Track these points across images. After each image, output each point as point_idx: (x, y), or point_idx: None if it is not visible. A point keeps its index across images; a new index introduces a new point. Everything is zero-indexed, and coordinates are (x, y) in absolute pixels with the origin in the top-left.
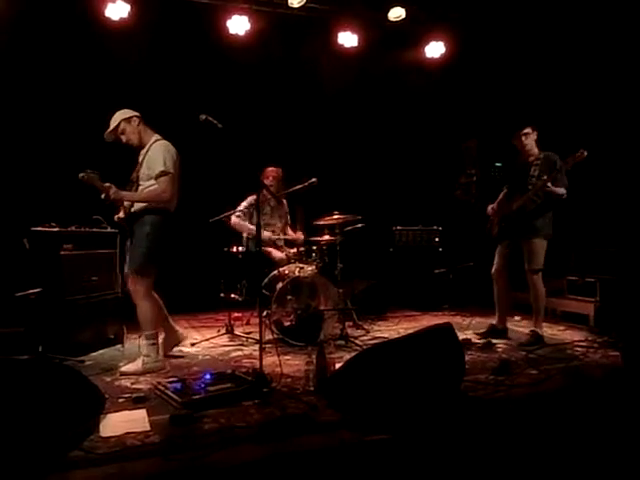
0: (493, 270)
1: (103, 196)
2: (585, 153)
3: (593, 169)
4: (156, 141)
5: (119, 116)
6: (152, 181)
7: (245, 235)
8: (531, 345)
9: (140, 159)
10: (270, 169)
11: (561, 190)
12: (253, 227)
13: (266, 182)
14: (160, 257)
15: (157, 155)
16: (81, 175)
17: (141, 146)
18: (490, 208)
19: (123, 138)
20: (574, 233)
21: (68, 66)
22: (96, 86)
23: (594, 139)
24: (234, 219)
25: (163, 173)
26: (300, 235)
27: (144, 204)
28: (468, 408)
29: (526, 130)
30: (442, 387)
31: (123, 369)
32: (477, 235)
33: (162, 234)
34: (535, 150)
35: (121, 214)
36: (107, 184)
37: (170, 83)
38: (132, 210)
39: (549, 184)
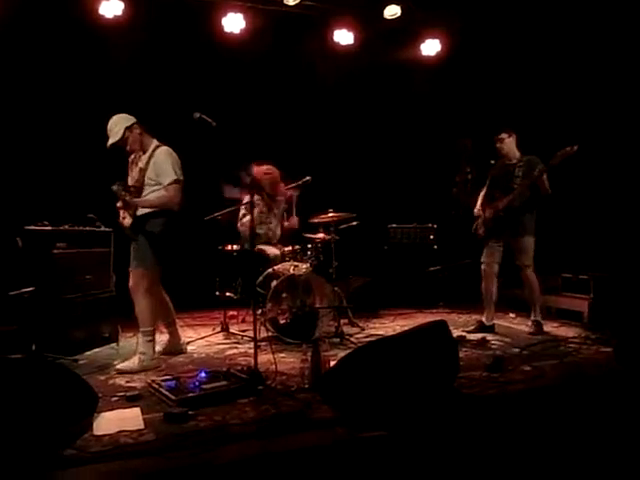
0: (483, 267)
1: (120, 204)
2: (575, 148)
3: (587, 167)
4: (158, 147)
5: (121, 125)
6: (159, 187)
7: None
8: (537, 334)
9: (142, 164)
10: (263, 167)
11: (547, 186)
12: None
13: (261, 181)
14: (165, 257)
15: (165, 162)
16: (115, 188)
17: (140, 152)
18: (476, 210)
19: (125, 146)
20: (568, 231)
21: (61, 64)
22: (90, 84)
23: (587, 136)
24: (241, 228)
25: (175, 182)
26: (293, 220)
27: (153, 208)
28: (462, 405)
29: (501, 136)
30: (436, 384)
31: (119, 367)
32: (472, 233)
33: (170, 234)
34: (516, 153)
35: (128, 219)
36: (124, 192)
37: (165, 81)
38: (139, 214)
39: (544, 176)
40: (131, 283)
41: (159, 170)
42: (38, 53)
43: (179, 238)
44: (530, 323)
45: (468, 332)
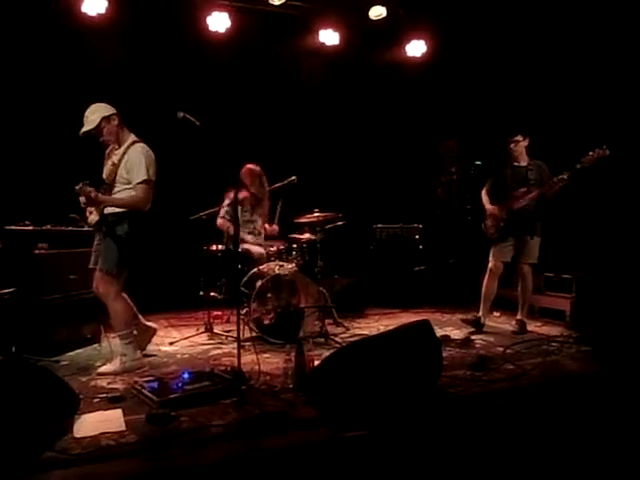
0: (491, 266)
1: (84, 200)
2: (608, 151)
3: (568, 166)
4: (134, 143)
5: (99, 113)
6: (129, 185)
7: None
8: (521, 333)
9: (115, 159)
10: (248, 166)
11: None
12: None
13: (245, 180)
14: (133, 259)
15: (138, 161)
16: (77, 188)
17: (116, 145)
18: (491, 208)
19: (100, 136)
20: (551, 231)
21: (43, 62)
22: (72, 82)
23: (573, 136)
24: (220, 221)
25: (145, 182)
26: (274, 228)
27: (121, 209)
28: (446, 404)
29: (516, 137)
30: (420, 383)
31: (101, 370)
32: (457, 233)
33: (136, 236)
34: (525, 156)
35: (94, 216)
36: (90, 189)
37: (148, 80)
38: (106, 212)
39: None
40: (101, 290)
41: (131, 168)
42: (19, 50)
43: (147, 239)
44: (515, 322)
45: (463, 320)
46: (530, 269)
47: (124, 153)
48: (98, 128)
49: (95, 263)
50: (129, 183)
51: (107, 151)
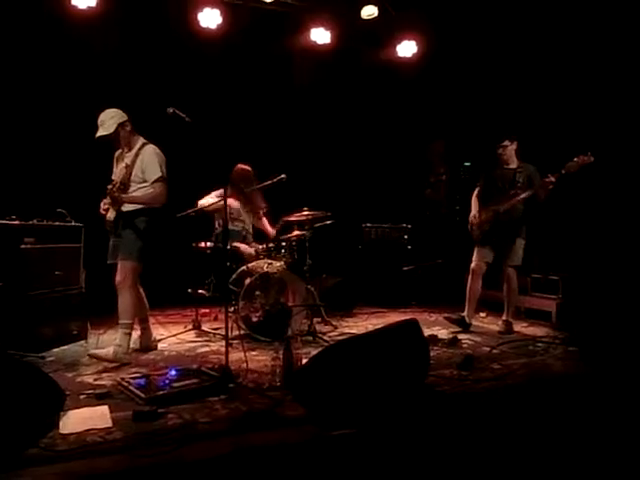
0: (474, 266)
1: (108, 200)
2: (592, 158)
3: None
4: (144, 145)
5: (115, 120)
6: (146, 184)
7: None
8: (507, 333)
9: (128, 161)
10: (239, 166)
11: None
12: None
13: (236, 181)
14: (148, 253)
15: (152, 160)
16: (109, 187)
17: (127, 148)
18: (473, 216)
19: (114, 142)
20: (538, 232)
21: (32, 56)
22: (61, 77)
23: (563, 138)
24: (201, 201)
25: (161, 179)
26: (271, 230)
27: (139, 205)
28: (433, 402)
29: (504, 143)
30: (407, 382)
31: (93, 352)
32: (445, 233)
33: (153, 231)
34: (514, 159)
35: (111, 214)
36: (115, 189)
37: (139, 75)
38: (125, 210)
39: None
40: (119, 277)
41: (146, 167)
42: (8, 45)
43: (159, 235)
44: (501, 322)
45: (446, 318)
46: (515, 271)
47: (136, 155)
48: (114, 134)
49: (114, 258)
50: (144, 182)
51: (116, 154)
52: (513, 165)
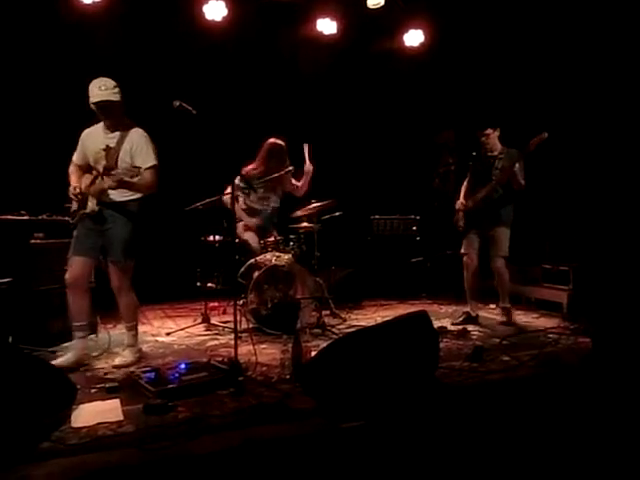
0: (465, 259)
1: (87, 191)
2: (546, 134)
3: (568, 159)
4: (132, 127)
5: (119, 90)
6: (135, 170)
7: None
8: (508, 322)
9: (111, 143)
10: (270, 140)
11: (521, 181)
12: (243, 207)
13: (263, 154)
14: (140, 247)
15: (146, 146)
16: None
17: (111, 128)
18: (459, 203)
19: (111, 111)
20: (548, 222)
21: (36, 50)
22: (66, 71)
23: (567, 127)
24: (225, 198)
25: (155, 167)
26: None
27: (130, 194)
28: (442, 394)
29: (486, 131)
30: (417, 374)
31: (116, 363)
32: (455, 224)
33: (143, 223)
34: (498, 146)
35: (91, 204)
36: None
37: (144, 68)
38: (113, 199)
39: (517, 168)
40: (117, 282)
41: (138, 153)
42: (13, 39)
43: (150, 227)
44: (500, 311)
45: (455, 324)
46: (503, 262)
47: (123, 137)
48: (117, 102)
49: (92, 253)
50: (135, 168)
51: (84, 134)
52: (496, 152)
